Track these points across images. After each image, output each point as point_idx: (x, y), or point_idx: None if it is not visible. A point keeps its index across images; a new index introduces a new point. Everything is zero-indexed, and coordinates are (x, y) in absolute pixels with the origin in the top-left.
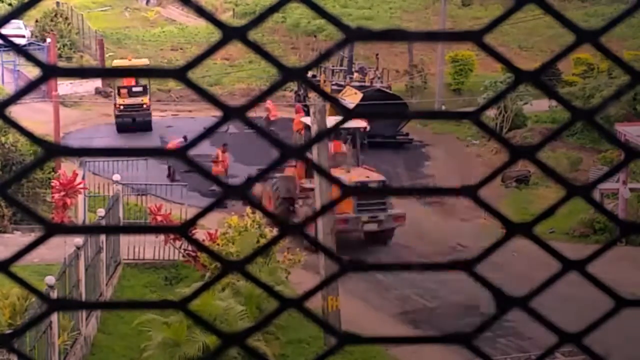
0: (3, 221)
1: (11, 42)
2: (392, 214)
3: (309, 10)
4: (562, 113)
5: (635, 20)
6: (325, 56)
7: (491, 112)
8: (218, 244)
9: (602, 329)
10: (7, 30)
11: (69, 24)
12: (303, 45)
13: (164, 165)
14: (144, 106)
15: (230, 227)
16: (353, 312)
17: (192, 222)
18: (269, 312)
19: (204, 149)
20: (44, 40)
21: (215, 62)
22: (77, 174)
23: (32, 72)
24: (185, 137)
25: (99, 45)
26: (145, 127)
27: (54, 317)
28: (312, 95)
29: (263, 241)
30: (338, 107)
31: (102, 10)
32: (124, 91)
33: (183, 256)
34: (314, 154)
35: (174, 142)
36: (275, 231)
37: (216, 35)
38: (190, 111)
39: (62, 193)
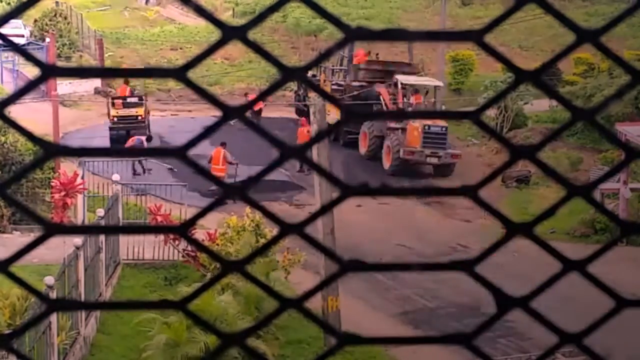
0: (2, 221)
1: (10, 41)
2: (450, 152)
3: (309, 10)
4: (562, 113)
5: (635, 20)
6: (325, 56)
7: (491, 112)
8: (217, 244)
9: (603, 330)
10: (6, 29)
11: (68, 24)
12: (303, 45)
13: (164, 165)
14: (139, 118)
15: (230, 227)
16: (353, 313)
17: (192, 222)
18: (268, 313)
19: (203, 149)
20: (43, 40)
21: (215, 62)
22: (77, 174)
23: (32, 71)
24: (149, 137)
25: (98, 44)
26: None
27: (53, 318)
28: (312, 95)
29: (263, 241)
30: (338, 107)
31: (101, 10)
32: (118, 102)
33: (183, 256)
34: (314, 154)
35: (133, 138)
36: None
37: (216, 34)
38: (190, 111)
39: (62, 193)
